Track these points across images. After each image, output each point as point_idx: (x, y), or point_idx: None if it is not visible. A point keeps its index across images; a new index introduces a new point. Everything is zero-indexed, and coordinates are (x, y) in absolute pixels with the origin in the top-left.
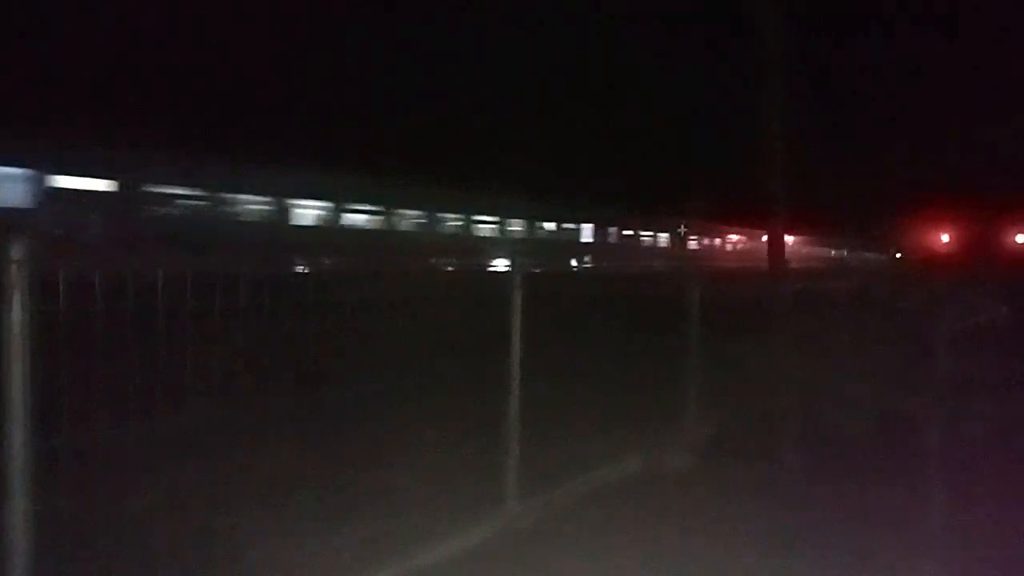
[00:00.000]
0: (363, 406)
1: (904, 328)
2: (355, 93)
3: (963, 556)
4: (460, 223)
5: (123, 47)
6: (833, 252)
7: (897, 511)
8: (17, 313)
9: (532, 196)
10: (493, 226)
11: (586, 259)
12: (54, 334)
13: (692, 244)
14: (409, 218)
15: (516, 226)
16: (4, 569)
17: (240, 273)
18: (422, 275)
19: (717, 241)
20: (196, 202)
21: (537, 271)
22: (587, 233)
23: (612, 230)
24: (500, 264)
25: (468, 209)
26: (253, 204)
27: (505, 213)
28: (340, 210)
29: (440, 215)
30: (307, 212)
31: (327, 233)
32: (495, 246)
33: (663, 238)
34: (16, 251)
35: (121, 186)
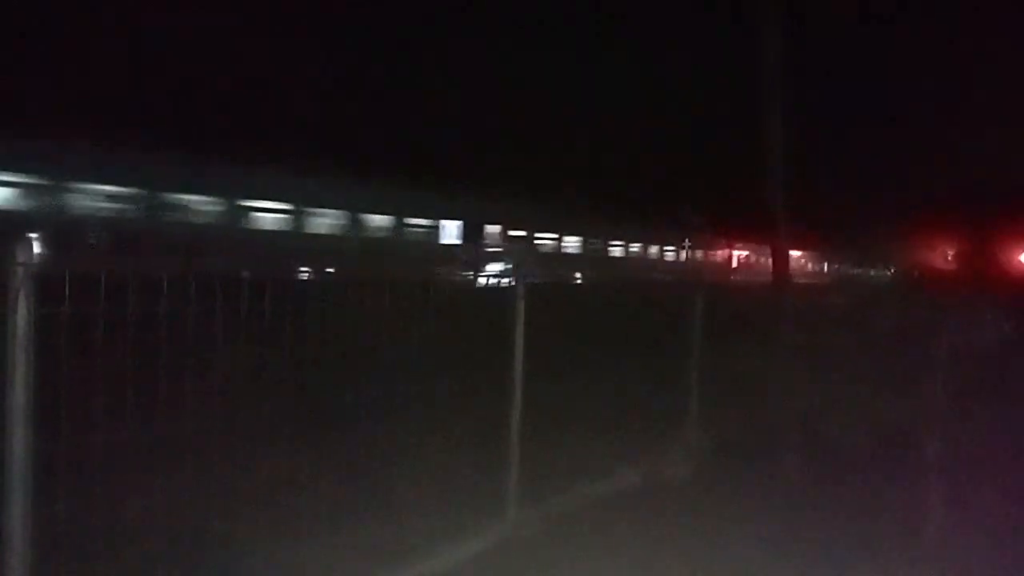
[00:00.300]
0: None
1: (905, 345)
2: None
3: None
4: (462, 235)
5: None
6: (834, 266)
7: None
8: (22, 315)
9: (535, 207)
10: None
11: (589, 271)
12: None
13: (695, 257)
14: (411, 225)
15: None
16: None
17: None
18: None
19: (720, 254)
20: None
21: (538, 282)
22: (589, 245)
23: (617, 242)
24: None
25: (473, 220)
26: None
27: (504, 222)
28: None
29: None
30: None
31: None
32: (496, 257)
33: (667, 251)
34: (21, 253)
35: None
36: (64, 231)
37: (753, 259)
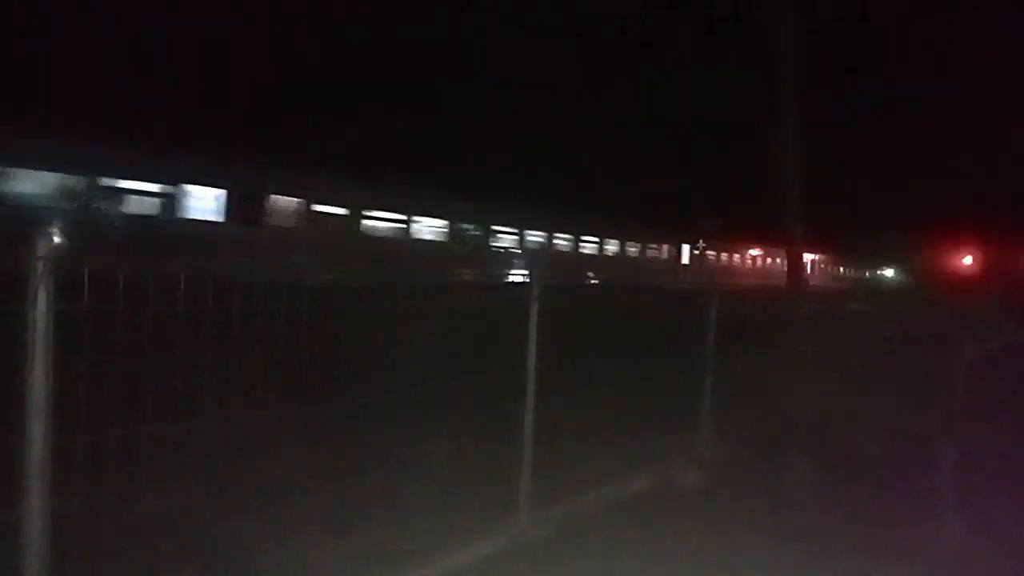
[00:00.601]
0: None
1: (921, 351)
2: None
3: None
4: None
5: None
6: (849, 272)
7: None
8: (42, 309)
9: (549, 210)
10: (513, 237)
11: (602, 273)
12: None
13: (710, 260)
14: (430, 226)
15: (536, 238)
16: (22, 566)
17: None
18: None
19: (735, 258)
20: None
21: (553, 283)
22: (604, 247)
23: (634, 245)
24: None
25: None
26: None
27: (517, 224)
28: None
29: (464, 225)
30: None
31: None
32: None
33: (682, 254)
34: (41, 248)
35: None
36: (84, 227)
37: (768, 263)
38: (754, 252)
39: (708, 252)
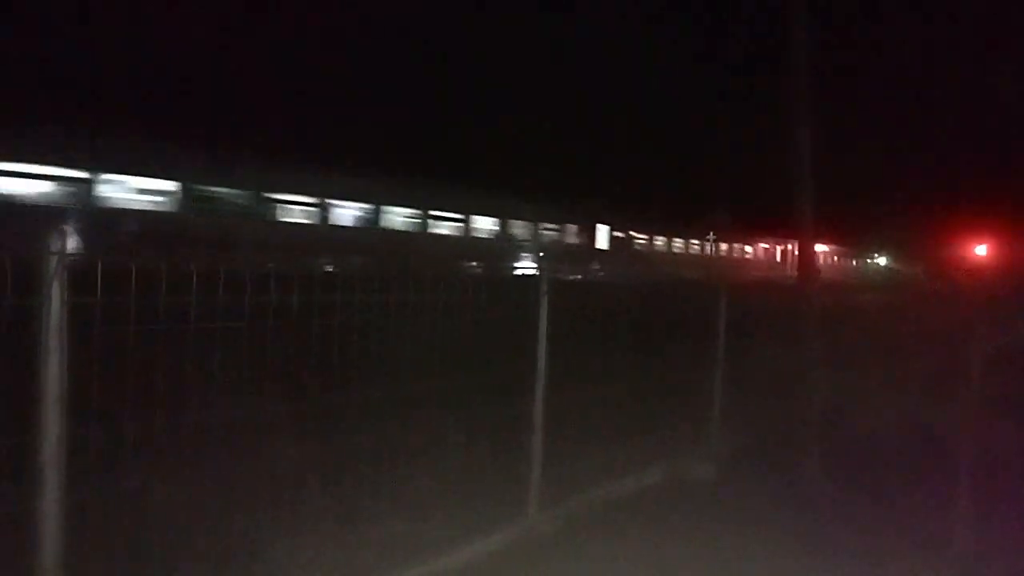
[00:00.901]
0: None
1: (936, 344)
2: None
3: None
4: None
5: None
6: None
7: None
8: (56, 305)
9: (562, 202)
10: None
11: (610, 266)
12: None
13: (721, 253)
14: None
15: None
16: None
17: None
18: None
19: (746, 250)
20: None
21: (564, 277)
22: (613, 240)
23: (642, 237)
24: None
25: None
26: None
27: (527, 215)
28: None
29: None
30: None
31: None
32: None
33: (693, 246)
34: (55, 244)
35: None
36: (98, 223)
37: (780, 257)
38: (764, 245)
39: (719, 245)
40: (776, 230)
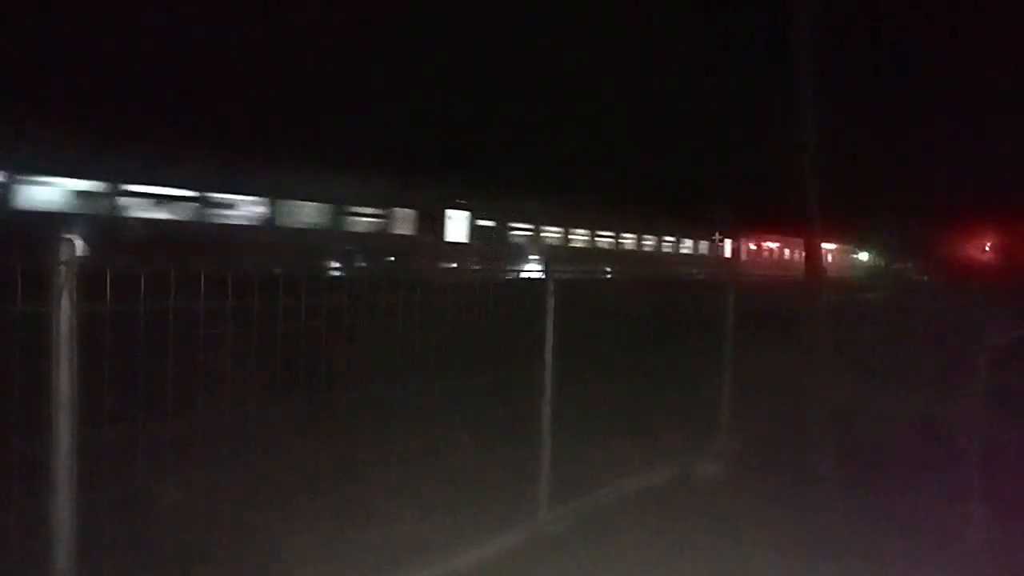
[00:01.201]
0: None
1: (944, 340)
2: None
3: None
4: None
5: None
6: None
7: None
8: (66, 312)
9: (566, 200)
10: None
11: (617, 266)
12: None
13: (727, 251)
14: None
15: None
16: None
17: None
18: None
19: (752, 248)
20: None
21: (570, 277)
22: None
23: (648, 236)
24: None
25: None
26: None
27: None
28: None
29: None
30: None
31: None
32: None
33: (700, 245)
34: (64, 252)
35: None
36: (106, 231)
37: (785, 254)
38: (771, 244)
39: (725, 243)
40: (784, 229)
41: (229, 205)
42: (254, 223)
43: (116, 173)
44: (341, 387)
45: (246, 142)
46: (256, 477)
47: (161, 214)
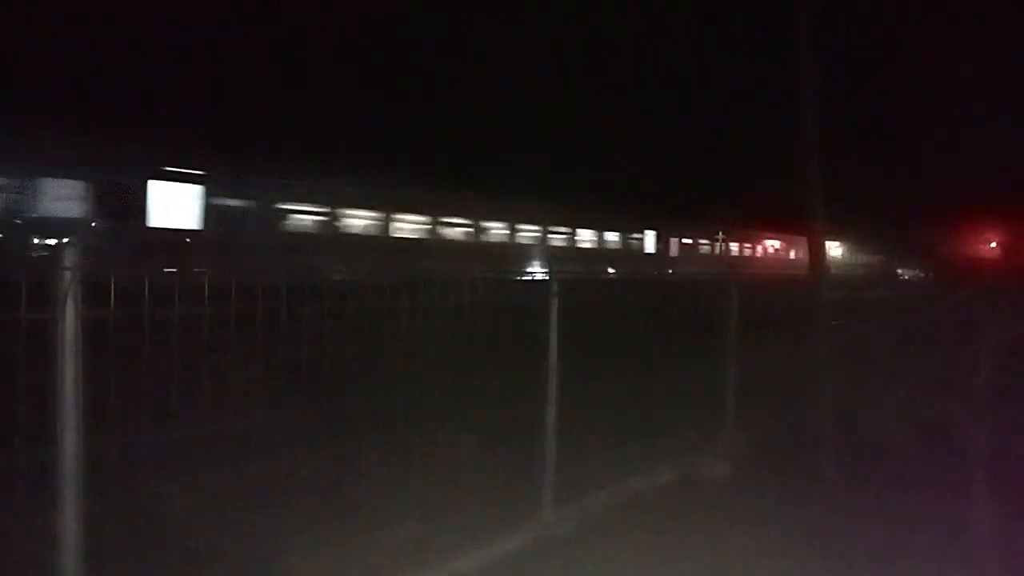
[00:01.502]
0: None
1: (948, 338)
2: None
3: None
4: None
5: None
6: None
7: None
8: (70, 318)
9: (566, 200)
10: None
11: (619, 265)
12: None
13: (729, 250)
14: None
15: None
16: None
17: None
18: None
19: (753, 246)
20: None
21: (573, 279)
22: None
23: (649, 237)
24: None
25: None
26: None
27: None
28: None
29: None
30: None
31: None
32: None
33: (703, 244)
34: (68, 258)
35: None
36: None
37: (787, 254)
38: (774, 242)
39: (727, 241)
40: (788, 228)
41: None
42: None
43: None
44: (339, 391)
45: None
46: (263, 480)
47: None
